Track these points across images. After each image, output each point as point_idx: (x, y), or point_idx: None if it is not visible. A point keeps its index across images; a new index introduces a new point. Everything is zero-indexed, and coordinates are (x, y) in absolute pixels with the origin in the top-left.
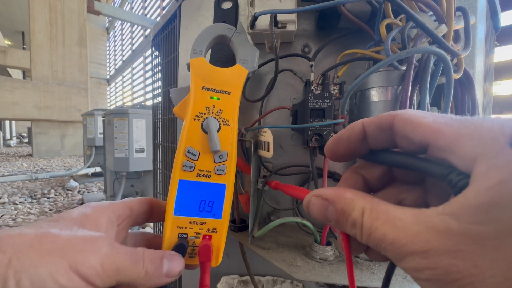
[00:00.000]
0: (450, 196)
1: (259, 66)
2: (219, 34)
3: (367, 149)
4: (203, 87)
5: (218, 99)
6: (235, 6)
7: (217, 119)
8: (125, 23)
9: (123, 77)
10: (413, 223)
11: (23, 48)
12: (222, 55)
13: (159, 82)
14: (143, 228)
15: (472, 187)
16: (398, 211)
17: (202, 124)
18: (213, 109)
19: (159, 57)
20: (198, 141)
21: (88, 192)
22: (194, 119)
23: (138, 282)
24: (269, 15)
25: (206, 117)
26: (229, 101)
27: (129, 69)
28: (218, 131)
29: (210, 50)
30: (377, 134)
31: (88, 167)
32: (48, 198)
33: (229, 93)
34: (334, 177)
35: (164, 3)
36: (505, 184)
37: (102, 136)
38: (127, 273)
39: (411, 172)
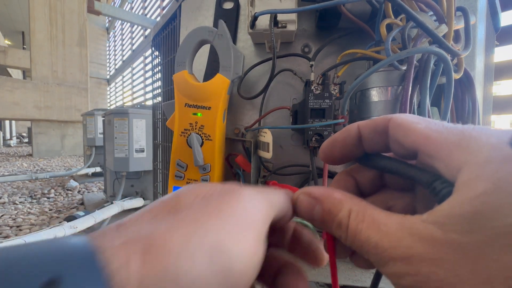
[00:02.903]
0: (435, 205)
1: (259, 64)
2: (199, 39)
3: (362, 152)
4: (185, 104)
5: (201, 115)
6: (237, 6)
7: (200, 135)
8: (125, 23)
9: (123, 77)
10: (397, 229)
11: (23, 48)
12: (218, 64)
13: (159, 82)
14: None
15: (456, 196)
16: (384, 216)
17: (187, 140)
18: (195, 125)
19: (159, 57)
20: (185, 154)
21: (88, 192)
22: (180, 135)
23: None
24: (269, 15)
25: (190, 134)
26: (210, 116)
27: (129, 69)
28: (201, 145)
29: (207, 58)
30: (372, 137)
31: (88, 167)
32: (48, 198)
33: (209, 108)
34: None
35: (164, 3)
36: (488, 195)
37: (102, 136)
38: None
39: (401, 178)
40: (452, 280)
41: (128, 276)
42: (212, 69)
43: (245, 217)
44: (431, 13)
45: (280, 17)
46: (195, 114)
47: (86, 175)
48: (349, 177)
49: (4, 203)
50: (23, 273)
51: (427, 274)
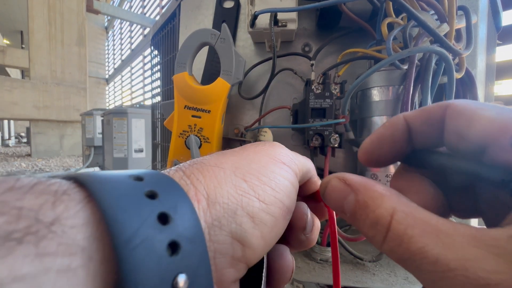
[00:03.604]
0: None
1: (259, 63)
2: (201, 42)
3: (410, 149)
4: (185, 106)
5: (200, 117)
6: (237, 5)
7: (198, 137)
8: (124, 22)
9: (122, 76)
10: (469, 244)
11: (22, 48)
12: (217, 64)
13: (158, 81)
14: None
15: None
16: (446, 224)
17: (185, 141)
18: (194, 127)
19: (158, 56)
20: (183, 155)
21: None
22: (179, 137)
23: None
24: (269, 14)
25: (189, 135)
26: (210, 119)
27: (128, 69)
28: (199, 147)
29: (206, 57)
30: (425, 130)
31: (87, 167)
32: None
33: (209, 111)
34: None
35: (163, 2)
36: None
37: (101, 136)
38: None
39: (465, 178)
40: None
41: (194, 185)
42: (210, 69)
43: (280, 157)
44: (433, 12)
45: (280, 16)
46: (194, 116)
47: None
48: (420, 175)
49: None
50: (117, 172)
51: None
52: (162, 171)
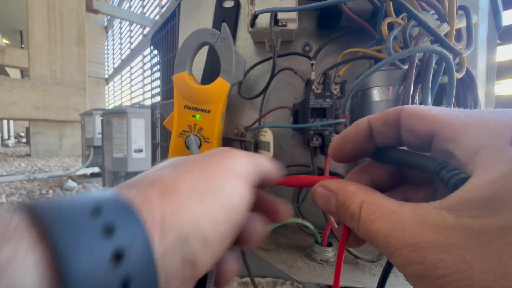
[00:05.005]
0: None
1: (259, 63)
2: (201, 41)
3: (374, 147)
4: (185, 106)
5: (199, 117)
6: (237, 4)
7: (198, 137)
8: (124, 22)
9: (122, 76)
10: (408, 217)
11: (21, 47)
12: (217, 64)
13: (158, 81)
14: None
15: (471, 181)
16: (397, 205)
17: (185, 141)
18: (194, 127)
19: (158, 56)
20: (183, 155)
21: None
22: (179, 136)
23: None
24: (269, 14)
25: (189, 135)
26: (209, 119)
27: (128, 68)
28: (199, 147)
29: (206, 56)
30: (384, 130)
31: (87, 167)
32: (46, 198)
33: (209, 111)
34: None
35: (163, 2)
36: (506, 178)
37: (100, 136)
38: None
39: (410, 169)
40: (460, 267)
41: (152, 211)
42: (210, 68)
43: (237, 170)
44: (433, 11)
45: (280, 15)
46: (194, 116)
47: (85, 175)
48: (364, 173)
49: (2, 203)
50: (75, 203)
51: (434, 261)
52: (125, 191)
